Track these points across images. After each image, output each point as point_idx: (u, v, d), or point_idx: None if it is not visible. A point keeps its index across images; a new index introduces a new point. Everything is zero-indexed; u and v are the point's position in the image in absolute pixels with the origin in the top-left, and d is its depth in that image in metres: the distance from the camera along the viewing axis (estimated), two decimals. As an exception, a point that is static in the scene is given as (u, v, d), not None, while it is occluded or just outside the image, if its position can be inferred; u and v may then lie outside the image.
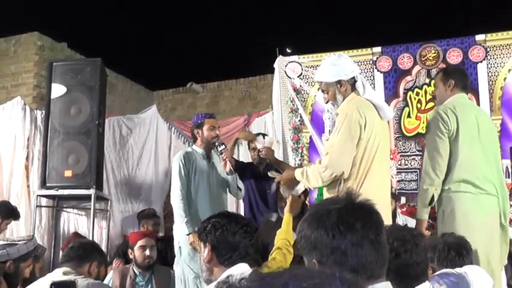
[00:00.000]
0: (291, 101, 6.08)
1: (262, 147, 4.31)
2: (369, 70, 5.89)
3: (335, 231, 1.32)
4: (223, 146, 4.12)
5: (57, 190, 4.99)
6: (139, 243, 4.18)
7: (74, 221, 5.66)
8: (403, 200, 5.56)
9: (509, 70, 5.50)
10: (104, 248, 5.13)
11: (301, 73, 6.09)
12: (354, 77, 3.08)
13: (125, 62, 7.96)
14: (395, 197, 4.99)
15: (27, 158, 5.59)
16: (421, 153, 5.47)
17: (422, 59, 5.76)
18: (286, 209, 3.21)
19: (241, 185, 4.30)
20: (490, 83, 5.53)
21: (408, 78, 5.80)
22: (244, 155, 5.58)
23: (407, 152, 5.69)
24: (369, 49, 5.96)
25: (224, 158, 4.10)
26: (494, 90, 5.51)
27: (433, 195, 3.23)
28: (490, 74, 5.54)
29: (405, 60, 5.82)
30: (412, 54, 5.81)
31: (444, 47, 5.72)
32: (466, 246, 2.63)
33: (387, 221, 2.33)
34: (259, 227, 4.56)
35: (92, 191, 4.92)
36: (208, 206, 4.00)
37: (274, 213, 3.96)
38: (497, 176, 3.38)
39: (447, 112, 3.32)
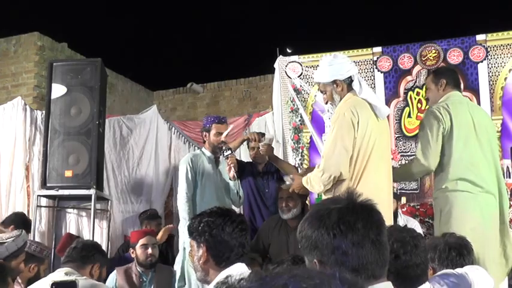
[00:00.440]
0: (291, 101, 6.08)
1: (262, 144, 4.32)
2: (369, 70, 5.89)
3: (336, 231, 1.32)
4: (229, 151, 4.12)
5: (57, 190, 4.98)
6: (141, 241, 4.15)
7: (74, 221, 5.65)
8: (403, 200, 5.56)
9: (509, 70, 5.48)
10: (104, 248, 5.11)
11: (302, 73, 6.09)
12: (350, 77, 3.07)
13: (125, 62, 7.98)
14: (396, 196, 4.98)
15: (27, 158, 5.59)
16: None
17: (423, 59, 5.76)
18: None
19: (241, 192, 4.32)
20: (491, 83, 5.52)
21: (409, 78, 5.80)
22: (245, 155, 5.58)
23: (408, 152, 5.68)
24: (369, 49, 5.95)
25: (229, 163, 4.10)
26: (495, 90, 5.50)
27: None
28: (490, 74, 5.53)
29: (405, 60, 5.82)
30: (413, 54, 5.80)
31: (445, 47, 5.71)
32: (467, 246, 2.62)
33: (387, 221, 2.32)
34: (258, 225, 4.58)
35: (92, 191, 4.91)
36: None
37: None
38: (496, 174, 3.34)
39: (440, 110, 3.29)
